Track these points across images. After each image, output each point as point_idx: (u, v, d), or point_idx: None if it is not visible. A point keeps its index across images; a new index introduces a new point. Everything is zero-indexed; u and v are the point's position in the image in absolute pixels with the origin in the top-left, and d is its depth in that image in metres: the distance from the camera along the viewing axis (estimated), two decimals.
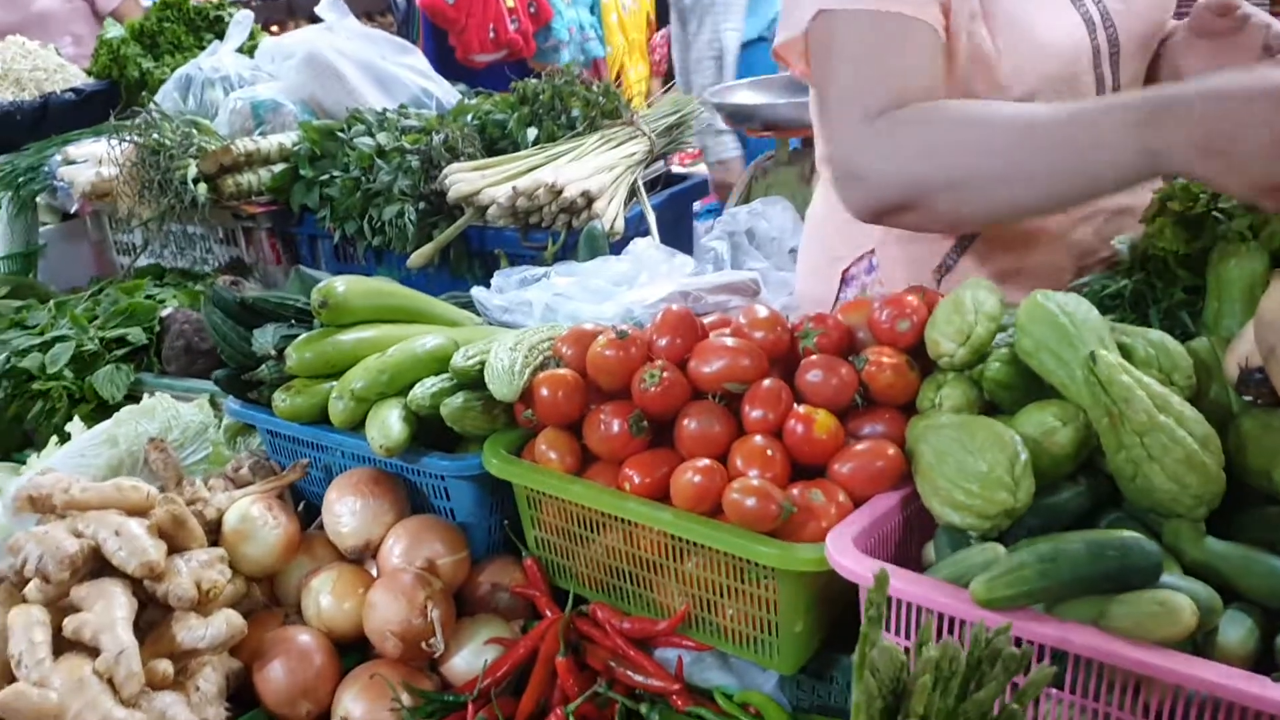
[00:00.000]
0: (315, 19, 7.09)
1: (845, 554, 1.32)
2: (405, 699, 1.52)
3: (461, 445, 1.80)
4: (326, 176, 2.91)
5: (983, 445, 1.35)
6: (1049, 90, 1.77)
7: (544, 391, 1.61)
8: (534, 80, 3.11)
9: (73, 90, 4.29)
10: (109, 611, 1.45)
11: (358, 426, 1.78)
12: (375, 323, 1.90)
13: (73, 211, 3.53)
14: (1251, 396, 1.38)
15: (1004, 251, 1.92)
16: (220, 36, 4.50)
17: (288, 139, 3.11)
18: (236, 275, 3.09)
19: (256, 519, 1.69)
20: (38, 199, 3.61)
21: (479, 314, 2.18)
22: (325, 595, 1.65)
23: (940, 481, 1.37)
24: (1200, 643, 1.20)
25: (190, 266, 3.35)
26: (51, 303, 2.90)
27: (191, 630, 1.50)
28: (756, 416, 1.51)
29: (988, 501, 1.32)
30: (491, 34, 6.57)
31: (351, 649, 1.67)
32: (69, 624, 1.44)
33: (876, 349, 1.58)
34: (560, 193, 2.51)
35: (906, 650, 1.16)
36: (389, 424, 1.68)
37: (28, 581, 1.52)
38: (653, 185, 2.92)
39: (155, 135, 3.03)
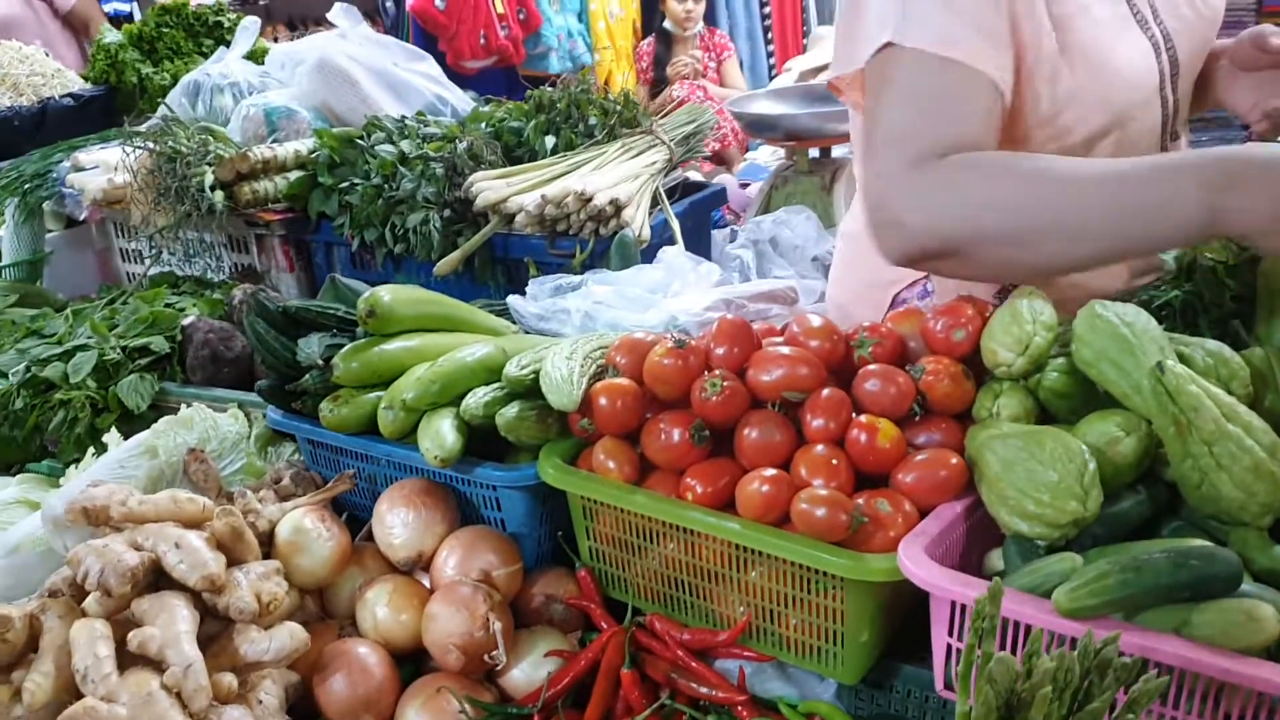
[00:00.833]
0: (293, 25, 7.06)
1: (919, 564, 1.32)
2: (470, 711, 1.52)
3: (510, 455, 1.79)
4: (346, 184, 2.90)
5: (1052, 455, 1.36)
6: (1126, 118, 1.76)
7: (603, 401, 1.61)
8: (550, 89, 3.11)
9: (71, 95, 4.27)
10: (173, 625, 1.45)
11: (405, 437, 1.78)
12: (418, 332, 1.90)
13: (81, 219, 3.51)
14: None
15: (1064, 275, 1.82)
16: (219, 42, 4.50)
17: (303, 146, 3.10)
18: (249, 282, 3.08)
19: (310, 530, 1.68)
20: (42, 206, 3.60)
21: (514, 322, 2.18)
22: (381, 607, 1.65)
23: (1009, 491, 1.38)
24: (1275, 651, 1.21)
25: (201, 274, 3.33)
26: (68, 310, 2.88)
27: (254, 644, 1.50)
28: (818, 426, 1.52)
29: (1058, 511, 1.33)
30: (482, 40, 6.58)
31: (405, 660, 1.66)
32: (134, 638, 1.43)
33: (933, 358, 1.58)
34: (589, 201, 2.52)
35: None
36: (443, 434, 1.68)
37: (85, 595, 1.51)
38: (671, 194, 2.92)
39: (171, 142, 3.01)
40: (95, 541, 1.53)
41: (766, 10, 7.92)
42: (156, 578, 1.54)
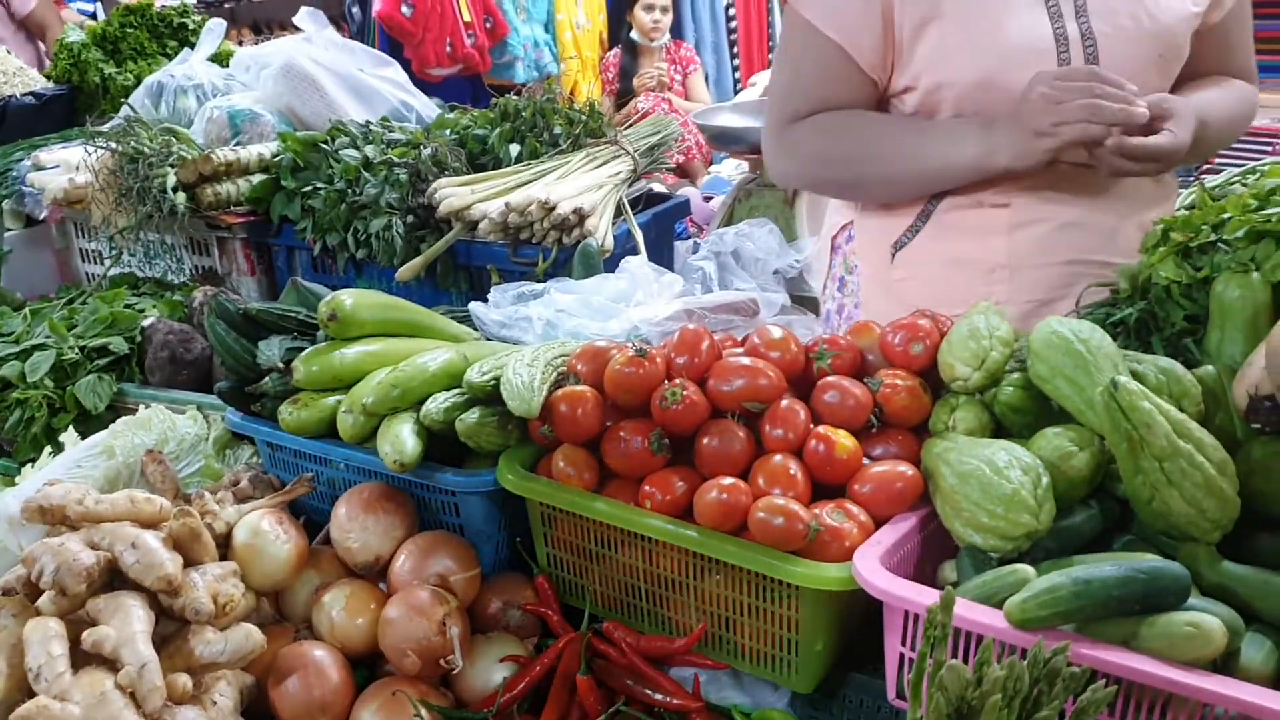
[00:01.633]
0: (258, 28, 7.02)
1: (875, 574, 1.34)
2: (425, 715, 1.52)
3: (469, 461, 1.80)
4: (309, 188, 2.89)
5: (1006, 469, 1.38)
6: (997, 87, 1.90)
7: (563, 408, 1.62)
8: (515, 97, 3.12)
9: (33, 94, 4.23)
10: (128, 625, 1.44)
11: (365, 441, 1.78)
12: (379, 336, 1.90)
13: (41, 218, 3.48)
14: (1260, 424, 1.41)
15: (949, 241, 2.06)
16: (183, 43, 4.47)
17: (267, 149, 3.09)
18: (210, 285, 3.07)
19: (267, 533, 1.68)
20: (1, 205, 3.56)
21: (476, 329, 2.18)
22: (338, 610, 1.64)
23: (963, 503, 1.39)
24: (1221, 664, 1.23)
25: (161, 276, 3.31)
26: (26, 310, 2.86)
27: (209, 644, 1.49)
28: (777, 436, 1.53)
29: (1012, 524, 1.35)
30: (448, 48, 6.56)
31: (361, 664, 1.66)
32: (88, 637, 1.42)
33: (890, 371, 1.60)
34: (553, 209, 2.52)
35: None
36: (403, 439, 1.68)
37: (40, 594, 1.50)
38: (634, 204, 2.94)
39: (134, 143, 3.00)
40: (51, 540, 1.52)
41: (733, 25, 7.96)
42: (112, 578, 1.53)
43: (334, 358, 1.82)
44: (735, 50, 7.99)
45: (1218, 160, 2.99)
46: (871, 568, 1.35)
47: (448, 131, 3.09)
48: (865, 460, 1.55)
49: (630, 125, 3.11)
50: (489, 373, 1.71)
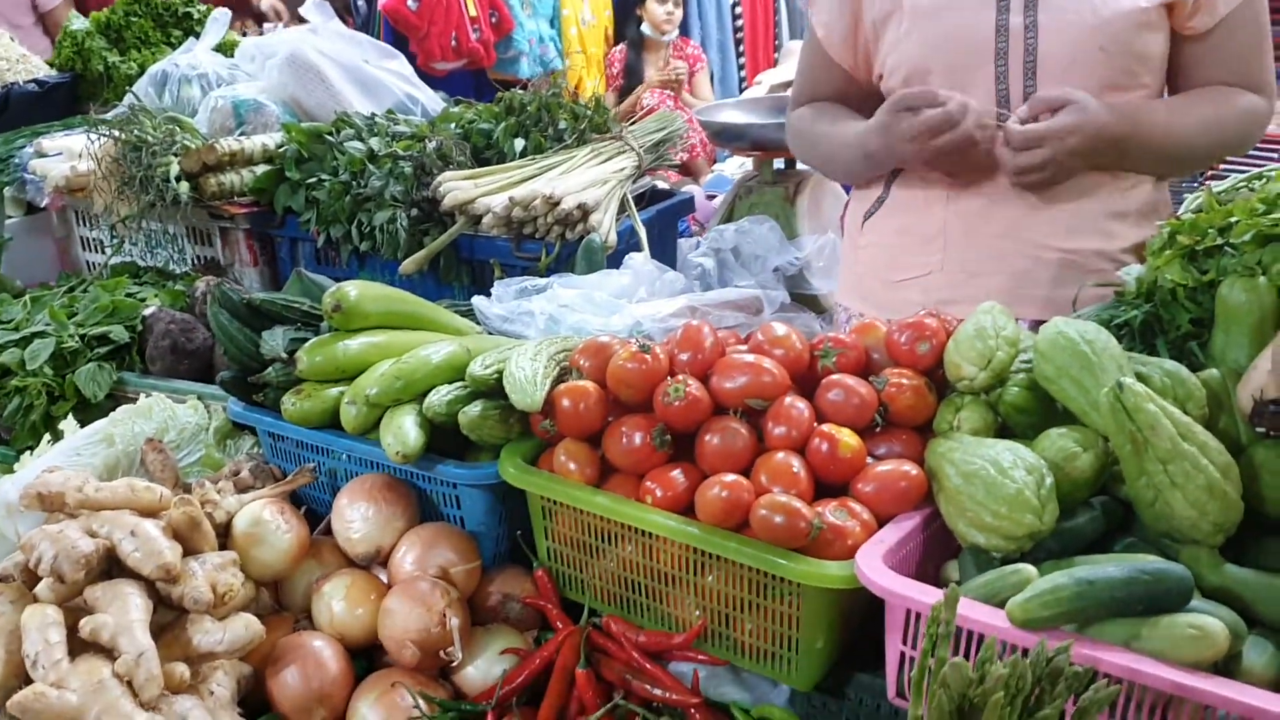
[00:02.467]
0: (261, 18, 7.00)
1: (878, 572, 1.34)
2: (424, 707, 1.52)
3: (471, 454, 1.79)
4: (314, 179, 2.89)
5: (1010, 469, 1.38)
6: (945, 67, 2.07)
7: (565, 403, 1.62)
8: (521, 91, 3.11)
9: (35, 81, 4.22)
10: (126, 613, 1.44)
11: (367, 432, 1.78)
12: (383, 328, 1.89)
13: (42, 205, 3.47)
14: (1265, 428, 1.41)
15: (901, 212, 2.25)
16: (188, 33, 4.45)
17: (271, 140, 3.08)
18: (212, 275, 3.06)
19: (269, 523, 1.68)
20: (3, 191, 3.55)
21: (478, 322, 2.18)
22: (338, 601, 1.64)
23: (967, 503, 1.39)
24: (1223, 666, 1.23)
25: (163, 265, 3.30)
26: (26, 297, 2.85)
27: (208, 634, 1.49)
28: (780, 433, 1.53)
29: (1015, 524, 1.35)
30: (453, 42, 6.55)
31: (360, 655, 1.66)
32: (85, 625, 1.41)
33: (895, 370, 1.60)
34: (557, 204, 2.52)
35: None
36: (405, 431, 1.68)
37: (38, 580, 1.50)
38: (638, 201, 2.93)
39: (137, 131, 2.99)
40: (50, 527, 1.52)
41: (739, 23, 7.95)
42: (111, 565, 1.53)
43: (338, 349, 1.82)
44: (741, 49, 7.98)
45: (1223, 167, 2.97)
46: (874, 566, 1.35)
47: (452, 125, 3.08)
48: (869, 459, 1.54)
49: (635, 121, 3.10)
50: (492, 366, 1.71)
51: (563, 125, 2.99)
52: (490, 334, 2.14)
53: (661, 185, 3.19)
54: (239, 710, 1.52)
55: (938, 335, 1.60)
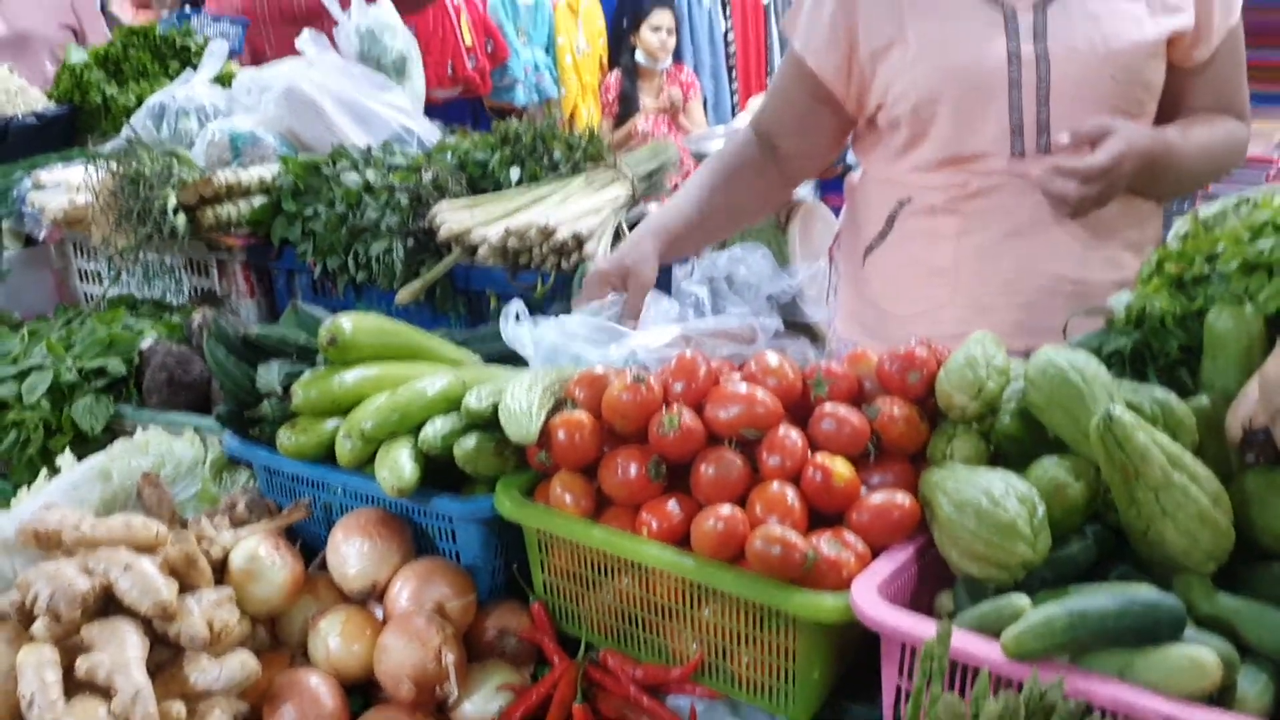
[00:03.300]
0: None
1: (871, 604, 1.34)
2: None
3: (467, 487, 1.80)
4: (310, 211, 2.90)
5: (1002, 498, 1.38)
6: (954, 96, 2.06)
7: (561, 435, 1.62)
8: (516, 122, 3.13)
9: (34, 114, 4.23)
10: (122, 652, 1.44)
11: (363, 466, 1.78)
12: (378, 360, 1.90)
13: (40, 238, 3.48)
14: (1254, 456, 1.41)
15: (907, 245, 2.24)
16: (185, 64, 4.47)
17: (268, 172, 3.09)
18: (209, 307, 3.07)
19: (264, 559, 1.68)
20: (1, 223, 3.57)
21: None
22: (334, 637, 1.64)
23: (960, 533, 1.40)
24: (1217, 697, 1.23)
25: (160, 297, 3.31)
26: (24, 330, 2.86)
27: (204, 672, 1.49)
28: (775, 464, 1.54)
29: (1007, 553, 1.35)
30: (450, 71, 6.59)
31: (356, 691, 1.66)
32: (82, 664, 1.42)
33: (888, 399, 1.61)
34: (552, 234, 2.53)
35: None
36: (400, 465, 1.68)
37: (33, 619, 1.50)
38: (633, 229, 2.94)
39: (135, 164, 3.00)
40: (46, 565, 1.52)
41: (731, 50, 8.00)
42: (107, 603, 1.53)
43: (333, 383, 1.82)
44: (734, 75, 8.03)
45: (1214, 188, 3.00)
46: (869, 599, 1.35)
47: (448, 155, 3.10)
48: (862, 489, 1.55)
49: (629, 149, 3.11)
50: (487, 398, 1.71)
51: (557, 155, 3.00)
52: (488, 364, 2.13)
53: None
54: None
55: (928, 365, 1.60)
